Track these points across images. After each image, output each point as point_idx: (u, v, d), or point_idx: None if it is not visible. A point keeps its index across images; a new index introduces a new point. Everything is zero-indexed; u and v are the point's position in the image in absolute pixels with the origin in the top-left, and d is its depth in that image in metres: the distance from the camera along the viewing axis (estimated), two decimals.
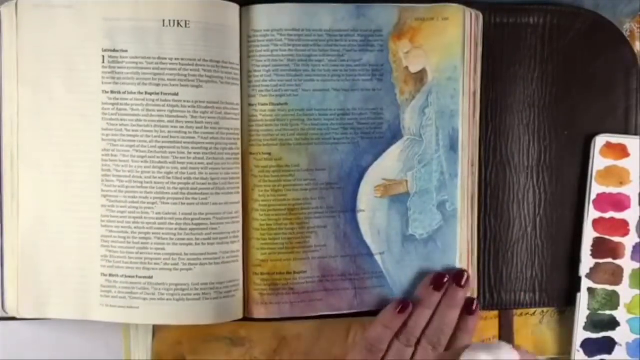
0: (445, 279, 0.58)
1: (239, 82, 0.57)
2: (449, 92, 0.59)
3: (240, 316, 0.58)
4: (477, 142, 0.60)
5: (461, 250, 0.60)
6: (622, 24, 0.63)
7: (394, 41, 0.58)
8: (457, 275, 0.58)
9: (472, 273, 0.60)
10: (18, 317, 0.56)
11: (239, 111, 0.57)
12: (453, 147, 0.59)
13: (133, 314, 0.56)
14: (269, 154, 0.58)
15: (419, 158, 0.59)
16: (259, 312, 0.58)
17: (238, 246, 0.57)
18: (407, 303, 0.57)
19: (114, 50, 0.55)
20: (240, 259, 0.57)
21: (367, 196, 0.59)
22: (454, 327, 0.58)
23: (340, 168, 0.59)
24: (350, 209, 0.59)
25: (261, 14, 0.57)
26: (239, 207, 0.57)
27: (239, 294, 0.57)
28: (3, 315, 0.57)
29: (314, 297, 0.59)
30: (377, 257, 0.59)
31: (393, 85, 0.59)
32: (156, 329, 0.60)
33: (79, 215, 0.56)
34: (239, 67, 0.57)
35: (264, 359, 0.61)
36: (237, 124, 0.57)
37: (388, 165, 0.59)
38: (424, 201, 0.59)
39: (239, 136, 0.57)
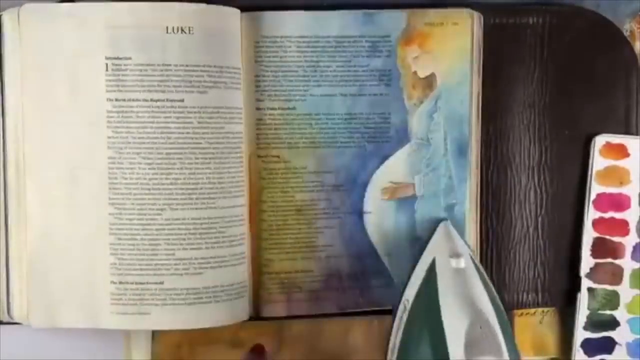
0: None
1: (241, 87, 0.57)
2: (458, 97, 0.59)
3: (248, 317, 0.59)
4: (479, 144, 0.60)
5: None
6: (622, 24, 0.62)
7: (402, 46, 0.58)
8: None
9: None
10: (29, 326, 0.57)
11: (242, 115, 0.57)
12: (462, 151, 0.59)
13: (145, 320, 0.56)
14: (278, 156, 0.58)
15: (426, 162, 0.59)
16: (267, 311, 0.59)
17: (245, 248, 0.58)
18: None
19: (118, 58, 0.54)
20: (246, 260, 0.58)
21: (374, 198, 0.59)
22: None
23: (346, 171, 0.59)
24: (357, 210, 0.59)
25: (270, 21, 0.57)
26: (245, 209, 0.58)
27: (248, 295, 0.58)
28: (5, 319, 0.57)
29: (321, 296, 0.60)
30: (384, 258, 0.60)
31: (401, 90, 0.58)
32: (156, 331, 0.60)
33: (87, 223, 0.55)
34: (241, 71, 0.56)
35: None
36: (241, 127, 0.57)
37: (395, 168, 0.59)
38: (431, 204, 0.60)
39: (243, 140, 0.57)
